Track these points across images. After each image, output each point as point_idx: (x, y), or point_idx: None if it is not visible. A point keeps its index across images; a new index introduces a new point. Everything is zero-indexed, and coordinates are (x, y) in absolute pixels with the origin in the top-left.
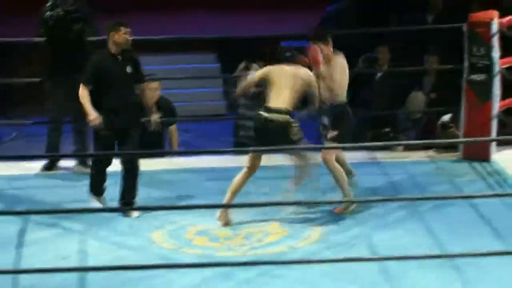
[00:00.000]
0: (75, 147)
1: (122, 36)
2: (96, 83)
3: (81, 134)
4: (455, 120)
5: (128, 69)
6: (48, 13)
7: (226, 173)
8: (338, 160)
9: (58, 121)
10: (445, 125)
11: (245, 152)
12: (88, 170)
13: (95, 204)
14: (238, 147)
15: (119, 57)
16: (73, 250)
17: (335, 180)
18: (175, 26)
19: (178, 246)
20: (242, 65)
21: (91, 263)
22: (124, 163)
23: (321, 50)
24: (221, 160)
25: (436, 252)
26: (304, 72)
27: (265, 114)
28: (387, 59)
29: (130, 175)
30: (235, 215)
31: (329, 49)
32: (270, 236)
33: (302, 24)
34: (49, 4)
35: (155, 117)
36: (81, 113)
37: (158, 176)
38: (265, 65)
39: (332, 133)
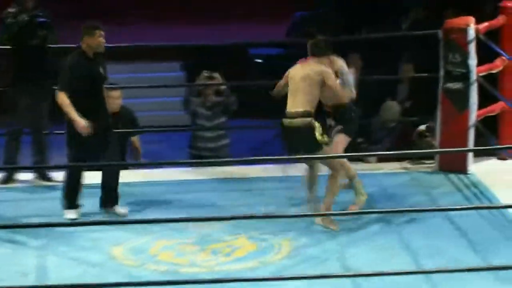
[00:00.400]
0: (34, 158)
1: (97, 40)
2: (74, 87)
3: (40, 145)
4: (431, 129)
5: (102, 71)
6: (10, 19)
7: (188, 186)
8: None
9: (18, 132)
10: (421, 134)
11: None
12: (47, 183)
13: (69, 215)
14: (194, 159)
15: (92, 59)
16: (32, 266)
17: (328, 188)
18: (141, 34)
19: (142, 262)
20: (204, 74)
21: (51, 279)
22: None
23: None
24: (182, 173)
25: (412, 267)
26: (318, 67)
27: (285, 121)
28: (359, 67)
29: (112, 176)
30: (201, 229)
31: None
32: (238, 250)
33: (269, 33)
34: (12, 10)
35: None
36: (42, 123)
37: (121, 189)
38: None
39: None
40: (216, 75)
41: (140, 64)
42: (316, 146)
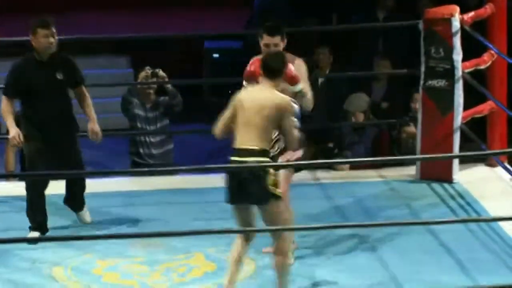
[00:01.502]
0: None
1: (39, 41)
2: (19, 93)
3: None
4: (413, 119)
5: (58, 76)
6: None
7: (130, 198)
8: None
9: None
10: (402, 123)
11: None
12: None
13: (32, 235)
14: (135, 167)
15: (45, 62)
16: None
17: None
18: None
19: (86, 283)
20: (145, 71)
21: None
22: (69, 182)
23: (276, 46)
24: (125, 183)
25: None
26: (277, 99)
27: (234, 159)
28: (329, 63)
29: (76, 185)
30: (151, 246)
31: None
32: (194, 270)
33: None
34: None
35: (94, 127)
36: None
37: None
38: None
39: (293, 155)
40: (160, 72)
41: (84, 59)
42: (266, 197)
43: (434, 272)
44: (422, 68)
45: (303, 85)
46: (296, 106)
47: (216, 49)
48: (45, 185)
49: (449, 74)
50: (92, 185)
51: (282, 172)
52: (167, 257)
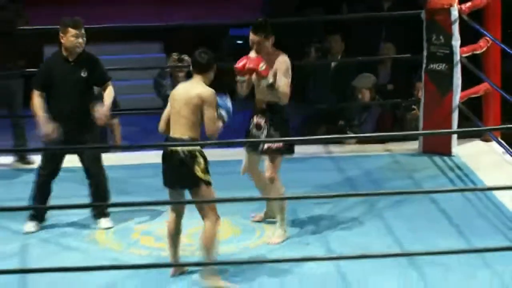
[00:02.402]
0: (14, 142)
1: (69, 40)
2: (45, 88)
3: (18, 128)
4: (417, 101)
5: (83, 73)
6: None
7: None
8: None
9: None
10: (407, 107)
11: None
12: (27, 166)
13: (29, 228)
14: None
15: (70, 60)
16: (14, 252)
17: (275, 204)
18: (121, 15)
19: (125, 246)
20: (173, 57)
21: (33, 265)
22: (90, 179)
23: (259, 44)
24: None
25: (396, 250)
26: (199, 89)
27: (166, 148)
28: (340, 49)
29: (96, 185)
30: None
31: (271, 43)
32: (220, 234)
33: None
34: None
35: (103, 111)
36: (15, 107)
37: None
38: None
39: (276, 143)
40: (186, 57)
41: (121, 45)
42: (194, 182)
43: (434, 236)
44: (425, 53)
45: (276, 80)
46: (227, 100)
47: (241, 36)
48: (52, 176)
49: (448, 58)
50: (128, 157)
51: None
52: (196, 222)
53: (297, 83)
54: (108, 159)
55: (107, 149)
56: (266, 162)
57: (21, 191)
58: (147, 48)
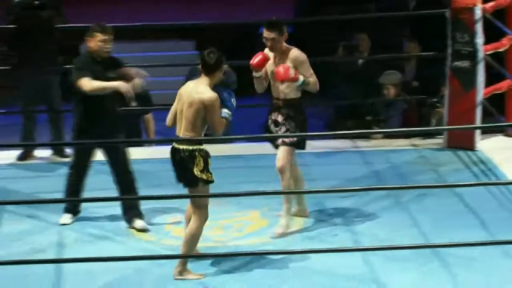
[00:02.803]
0: (51, 136)
1: (96, 44)
2: (77, 90)
3: (55, 122)
4: (442, 100)
5: (111, 74)
6: (15, 1)
7: None
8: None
9: (30, 111)
10: (432, 105)
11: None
12: (65, 159)
13: (64, 220)
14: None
15: (99, 62)
16: (50, 242)
17: (283, 197)
18: (154, 13)
19: (157, 237)
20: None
21: (68, 255)
22: (118, 178)
23: (273, 40)
24: None
25: (421, 242)
26: (204, 94)
27: (173, 145)
28: (367, 46)
29: (126, 186)
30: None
31: (284, 39)
32: (250, 226)
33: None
34: None
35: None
36: (54, 102)
37: (135, 166)
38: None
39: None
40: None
41: (154, 43)
42: (193, 181)
43: (458, 229)
44: (449, 51)
45: (303, 76)
46: (232, 97)
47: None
48: (84, 172)
49: (472, 56)
50: (161, 151)
51: (282, 148)
52: (226, 215)
53: (325, 79)
54: (142, 152)
55: (142, 143)
56: (278, 153)
57: (58, 184)
58: (180, 46)
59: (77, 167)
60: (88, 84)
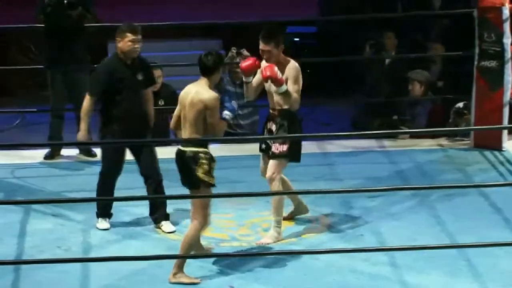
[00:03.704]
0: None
1: (126, 44)
2: (105, 92)
3: None
4: (469, 107)
5: (139, 76)
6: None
7: (230, 162)
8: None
9: (59, 109)
10: (459, 112)
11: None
12: (91, 159)
13: (101, 225)
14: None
15: (128, 63)
16: (76, 241)
17: (272, 203)
18: (176, 12)
19: (183, 235)
20: (231, 52)
21: (94, 254)
22: (144, 175)
23: (270, 53)
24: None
25: (446, 242)
26: (203, 94)
27: (178, 147)
28: (394, 45)
29: (154, 186)
30: (238, 205)
31: (280, 51)
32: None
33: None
34: None
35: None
36: (82, 101)
37: (164, 166)
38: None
39: (278, 147)
40: (245, 51)
41: (181, 42)
42: (194, 183)
43: (484, 228)
44: (476, 50)
45: (288, 87)
46: (233, 100)
47: (297, 33)
48: (115, 175)
49: (499, 55)
50: None
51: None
52: (252, 214)
53: (353, 76)
54: (168, 152)
55: (169, 143)
56: (270, 162)
57: (84, 183)
58: (207, 45)
59: (107, 169)
60: (85, 104)
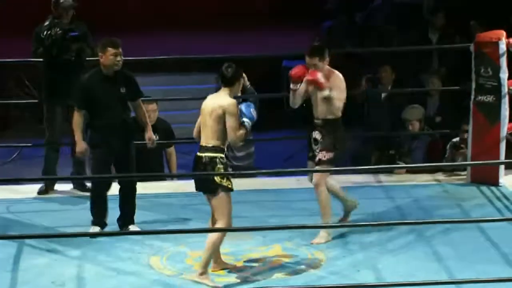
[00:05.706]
0: (73, 169)
1: (108, 58)
2: (87, 106)
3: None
4: (465, 141)
5: (122, 89)
6: (45, 32)
7: None
8: (331, 190)
9: (55, 143)
10: (455, 146)
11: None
12: (86, 193)
13: (94, 230)
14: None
15: (110, 77)
16: (70, 276)
17: (320, 208)
18: (176, 45)
19: (179, 271)
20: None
21: None
22: (121, 186)
23: (316, 66)
24: None
25: (444, 277)
26: (222, 101)
27: (197, 153)
28: (390, 79)
29: (128, 198)
30: (235, 240)
31: (325, 64)
32: (273, 261)
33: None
34: (46, 23)
35: (151, 136)
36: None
37: (157, 200)
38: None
39: (324, 155)
40: (249, 85)
41: (175, 76)
42: (212, 188)
43: (483, 263)
44: (473, 85)
45: (332, 93)
46: (252, 109)
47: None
48: (106, 188)
49: (496, 90)
50: (184, 186)
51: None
52: (249, 248)
53: (351, 111)
54: (168, 186)
55: (164, 177)
56: (316, 168)
57: (78, 218)
58: (205, 79)
59: (98, 184)
60: (74, 117)
